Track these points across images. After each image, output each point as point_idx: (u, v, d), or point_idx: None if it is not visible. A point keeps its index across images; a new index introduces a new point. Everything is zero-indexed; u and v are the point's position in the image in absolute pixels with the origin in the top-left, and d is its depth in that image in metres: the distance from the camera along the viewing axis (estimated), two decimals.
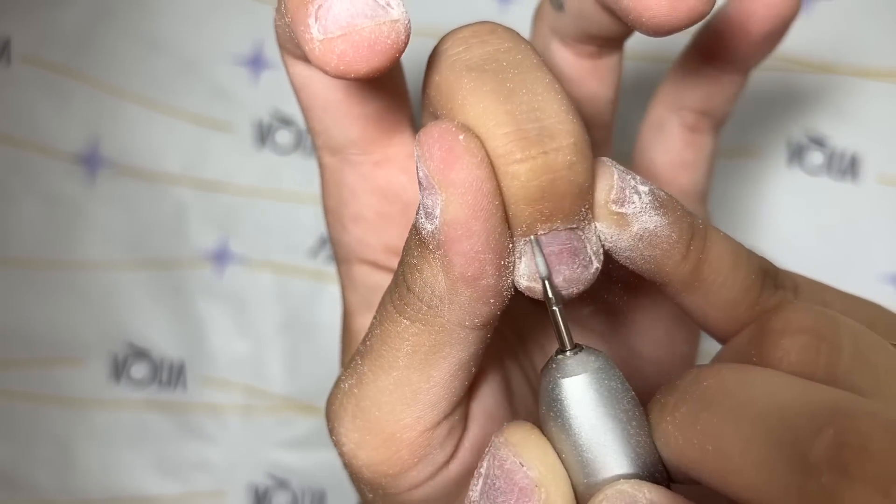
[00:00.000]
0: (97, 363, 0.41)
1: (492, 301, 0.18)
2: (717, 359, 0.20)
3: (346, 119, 0.23)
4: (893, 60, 0.40)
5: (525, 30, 0.41)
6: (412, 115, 0.25)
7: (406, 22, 0.18)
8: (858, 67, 0.40)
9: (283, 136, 0.41)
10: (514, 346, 0.25)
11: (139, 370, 0.42)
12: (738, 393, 0.16)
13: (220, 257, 0.41)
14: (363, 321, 0.25)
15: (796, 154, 0.41)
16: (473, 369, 0.20)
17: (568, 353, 0.18)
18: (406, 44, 0.19)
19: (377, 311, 0.20)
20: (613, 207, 0.18)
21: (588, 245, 0.18)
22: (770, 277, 0.20)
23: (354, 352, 0.21)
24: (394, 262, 0.25)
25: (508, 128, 0.18)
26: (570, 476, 0.18)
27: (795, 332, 0.17)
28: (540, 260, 0.18)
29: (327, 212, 0.25)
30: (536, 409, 0.19)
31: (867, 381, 0.17)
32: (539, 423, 0.19)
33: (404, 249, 0.19)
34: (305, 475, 0.41)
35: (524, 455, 0.17)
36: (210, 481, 0.41)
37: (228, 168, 0.41)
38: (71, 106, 0.41)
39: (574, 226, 0.18)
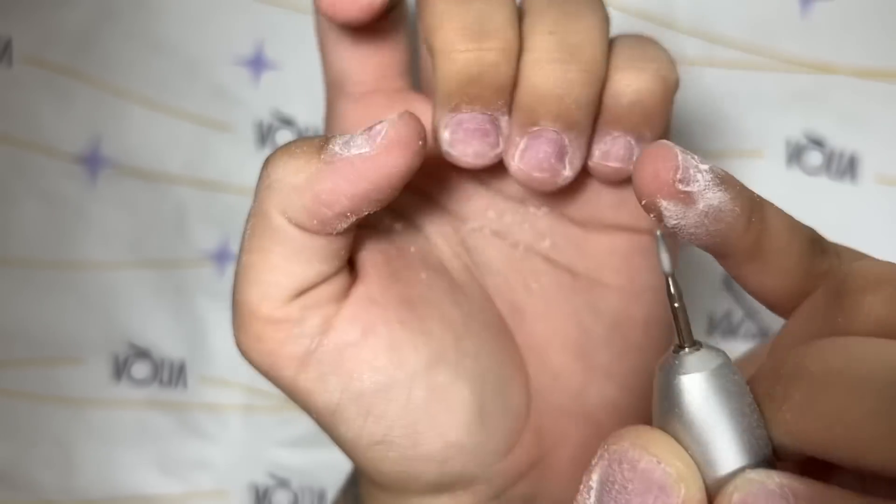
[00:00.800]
0: (98, 363, 0.42)
1: (317, 220, 0.22)
2: (785, 332, 0.21)
3: (350, 58, 0.27)
4: (893, 61, 0.40)
5: None
6: (407, 61, 0.28)
7: None
8: (857, 68, 0.40)
9: (284, 137, 0.41)
10: (440, 251, 0.28)
11: (140, 370, 0.42)
12: (850, 368, 0.16)
13: (221, 257, 0.41)
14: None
15: (795, 154, 0.41)
16: (319, 265, 0.23)
17: (688, 350, 0.18)
18: (385, 6, 0.23)
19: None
20: (680, 186, 0.19)
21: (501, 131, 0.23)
22: (818, 244, 0.21)
23: None
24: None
25: (457, 24, 0.23)
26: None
27: (875, 286, 0.18)
28: (664, 256, 0.18)
29: None
30: (651, 407, 0.19)
31: None
32: (654, 422, 0.19)
33: (297, 140, 0.23)
34: (306, 474, 0.41)
35: (659, 453, 0.17)
36: (211, 481, 0.41)
37: (229, 168, 0.41)
38: (72, 106, 0.41)
39: (490, 112, 0.23)
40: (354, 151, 0.22)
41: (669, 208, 0.19)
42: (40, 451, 0.42)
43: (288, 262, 0.23)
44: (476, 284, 0.28)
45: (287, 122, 0.41)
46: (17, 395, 0.42)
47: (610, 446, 0.18)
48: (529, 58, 0.23)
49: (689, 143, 0.41)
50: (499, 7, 0.23)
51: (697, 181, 0.19)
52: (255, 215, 0.23)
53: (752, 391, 0.18)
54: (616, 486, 0.17)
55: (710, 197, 0.19)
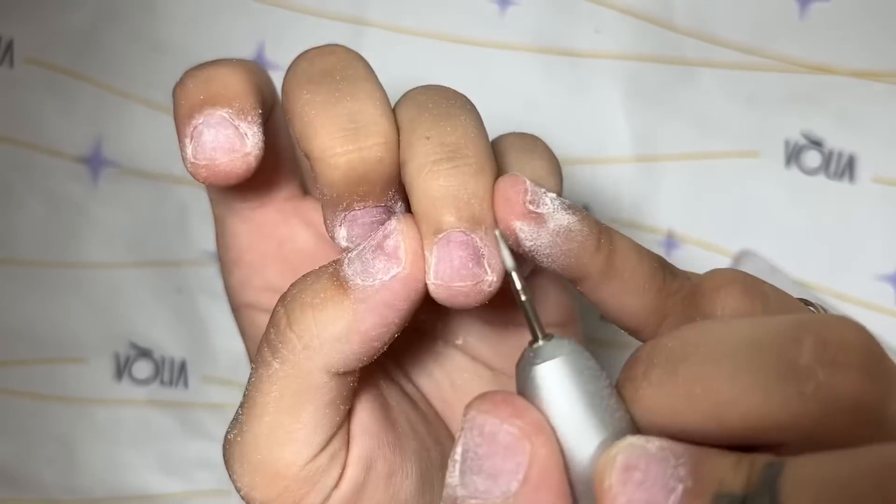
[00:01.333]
0: (100, 362, 0.42)
1: (366, 357, 0.21)
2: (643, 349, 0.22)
3: None
4: (890, 62, 0.40)
5: (525, 30, 0.41)
6: (292, 159, 0.27)
7: (257, 151, 0.23)
8: (856, 69, 0.40)
9: None
10: (386, 364, 0.27)
11: (141, 369, 0.42)
12: (708, 341, 0.18)
13: None
14: None
15: (794, 154, 0.41)
16: (343, 406, 0.22)
17: (541, 342, 0.19)
18: (256, 166, 0.23)
19: (255, 357, 0.22)
20: (531, 207, 0.21)
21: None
22: (667, 268, 0.22)
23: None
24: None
25: (332, 128, 0.22)
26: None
27: (728, 284, 0.19)
28: (506, 254, 0.20)
29: (220, 262, 0.28)
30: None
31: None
32: None
33: (299, 287, 0.22)
34: None
35: (501, 415, 0.18)
36: (212, 479, 0.42)
37: None
38: (74, 107, 0.41)
39: (383, 204, 0.23)
40: (381, 277, 0.21)
41: (524, 229, 0.21)
42: (43, 450, 0.42)
43: (321, 415, 0.22)
44: (413, 386, 0.28)
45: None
46: (20, 395, 0.42)
47: (464, 416, 0.19)
48: (413, 165, 0.21)
49: (689, 144, 0.41)
50: (369, 102, 0.22)
51: (546, 204, 0.21)
52: (285, 378, 0.21)
53: (616, 379, 0.19)
54: (470, 454, 0.18)
55: (560, 218, 0.21)
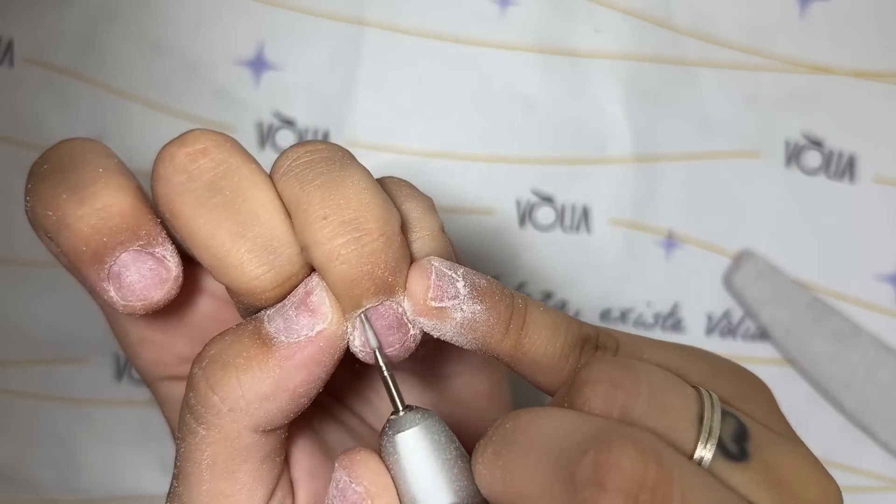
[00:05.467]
0: (100, 362, 0.42)
1: (293, 413, 0.21)
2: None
3: None
4: (890, 62, 0.40)
5: (525, 30, 0.41)
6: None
7: (181, 266, 0.22)
8: (856, 69, 0.40)
9: (285, 137, 0.41)
10: (326, 404, 0.27)
11: None
12: (529, 430, 0.19)
13: None
14: None
15: (794, 154, 0.41)
16: (278, 458, 0.22)
17: (401, 413, 0.21)
18: (182, 284, 0.22)
19: (179, 427, 0.22)
20: (433, 304, 0.21)
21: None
22: (590, 342, 0.22)
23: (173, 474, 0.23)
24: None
25: (243, 249, 0.21)
26: None
27: (596, 381, 0.19)
28: (370, 335, 0.21)
29: (120, 346, 0.27)
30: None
31: (660, 421, 0.19)
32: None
33: (217, 347, 0.21)
34: None
35: (354, 474, 0.20)
36: None
37: None
38: (74, 107, 0.41)
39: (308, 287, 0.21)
40: (305, 333, 0.20)
41: (427, 324, 0.21)
42: (42, 450, 0.42)
43: (258, 472, 0.22)
44: (350, 412, 0.28)
45: (288, 122, 0.41)
46: (20, 395, 0.42)
47: (335, 465, 0.21)
48: (320, 251, 0.20)
49: (689, 144, 0.41)
50: (264, 213, 0.21)
51: (453, 295, 0.21)
52: (214, 443, 0.21)
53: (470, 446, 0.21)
54: (331, 500, 0.21)
55: (466, 309, 0.21)
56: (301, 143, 0.22)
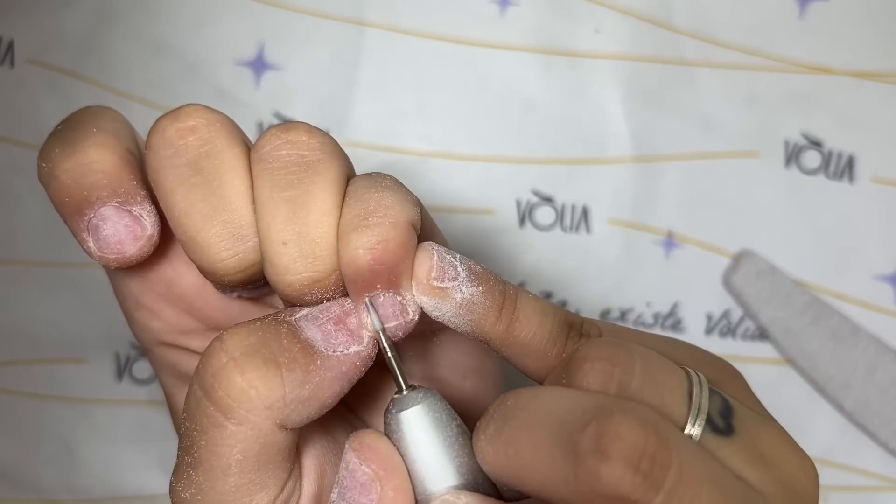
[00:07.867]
0: (100, 362, 0.42)
1: (315, 416, 0.22)
2: None
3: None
4: (889, 62, 0.40)
5: (525, 30, 0.41)
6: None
7: (158, 227, 0.23)
8: (856, 69, 0.40)
9: None
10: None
11: (142, 369, 0.42)
12: (530, 406, 0.20)
13: None
14: (181, 398, 0.27)
15: (794, 154, 0.41)
16: (293, 450, 0.23)
17: (404, 392, 0.22)
18: (157, 243, 0.24)
19: (193, 417, 0.21)
20: (435, 283, 0.22)
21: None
22: (575, 328, 0.23)
23: (182, 454, 0.22)
24: (180, 339, 0.27)
25: (214, 233, 0.22)
26: (415, 491, 0.22)
27: (594, 359, 0.20)
28: (375, 318, 0.22)
29: (121, 310, 0.28)
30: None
31: (654, 396, 0.20)
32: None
33: (249, 340, 0.21)
34: None
35: (363, 455, 0.21)
36: None
37: None
38: (74, 107, 0.41)
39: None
40: (342, 350, 0.22)
41: (428, 303, 0.22)
42: (43, 449, 0.42)
43: (279, 466, 0.22)
44: (352, 411, 0.28)
45: (288, 122, 0.41)
46: (21, 395, 0.42)
47: (346, 446, 0.22)
48: (274, 273, 0.22)
49: (689, 144, 0.41)
50: (236, 201, 0.23)
51: (453, 276, 0.22)
52: (246, 440, 0.21)
53: (473, 424, 0.21)
54: (341, 483, 0.21)
55: (464, 290, 0.22)
56: (284, 126, 0.23)
